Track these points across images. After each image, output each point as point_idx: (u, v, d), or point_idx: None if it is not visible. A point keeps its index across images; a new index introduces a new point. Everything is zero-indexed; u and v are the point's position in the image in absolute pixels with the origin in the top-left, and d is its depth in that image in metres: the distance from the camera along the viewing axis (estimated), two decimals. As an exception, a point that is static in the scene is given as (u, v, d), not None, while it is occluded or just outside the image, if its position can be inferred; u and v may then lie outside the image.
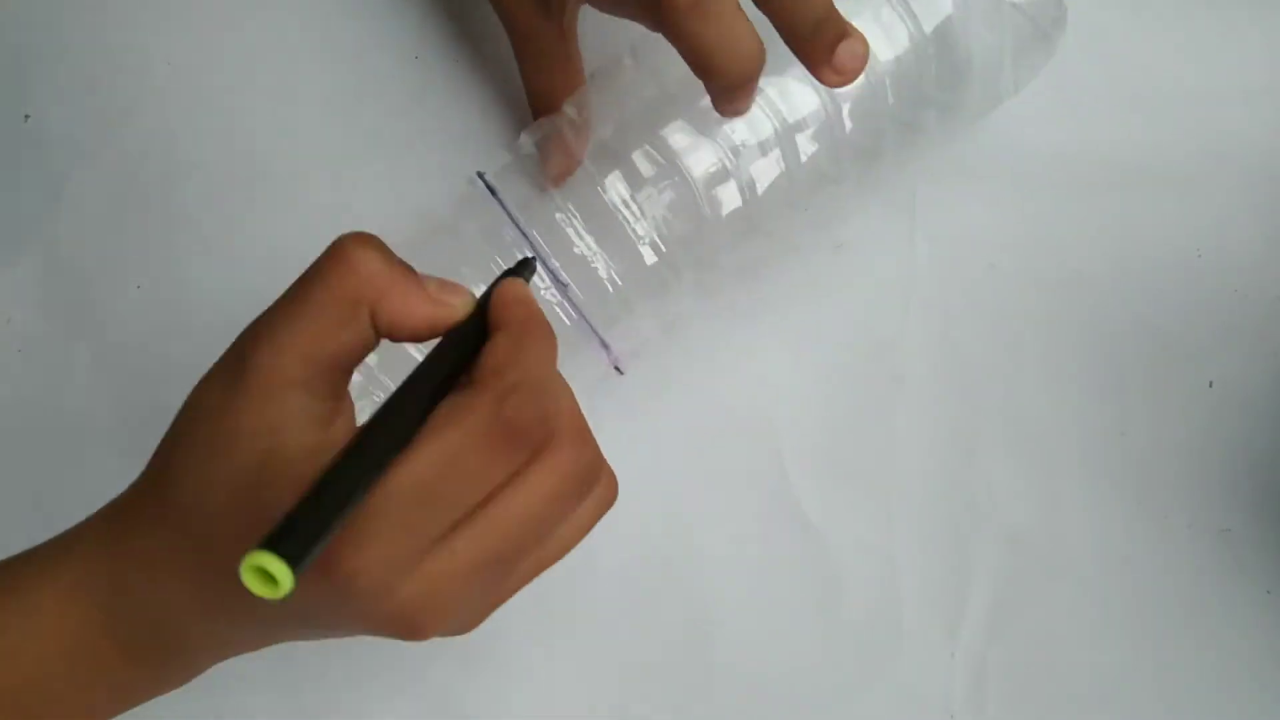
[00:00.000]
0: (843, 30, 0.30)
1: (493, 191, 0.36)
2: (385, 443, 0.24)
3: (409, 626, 0.25)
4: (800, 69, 0.31)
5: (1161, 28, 0.44)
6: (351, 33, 0.44)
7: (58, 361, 0.42)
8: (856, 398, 0.42)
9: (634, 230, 0.36)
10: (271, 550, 0.21)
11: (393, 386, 0.26)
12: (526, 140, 0.38)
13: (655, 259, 0.36)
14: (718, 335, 0.42)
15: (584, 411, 0.28)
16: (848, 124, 0.36)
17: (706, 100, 0.32)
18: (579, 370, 0.37)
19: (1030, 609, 0.41)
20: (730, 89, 0.31)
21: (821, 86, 0.33)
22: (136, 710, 0.36)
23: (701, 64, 0.30)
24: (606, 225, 0.36)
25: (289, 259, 0.42)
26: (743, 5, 0.30)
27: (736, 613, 0.41)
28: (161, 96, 0.43)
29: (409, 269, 0.27)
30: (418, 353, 0.33)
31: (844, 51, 0.30)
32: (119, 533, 0.28)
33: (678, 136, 0.36)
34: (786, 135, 0.36)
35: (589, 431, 0.27)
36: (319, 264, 0.26)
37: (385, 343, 0.28)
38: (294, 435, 0.25)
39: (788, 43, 0.31)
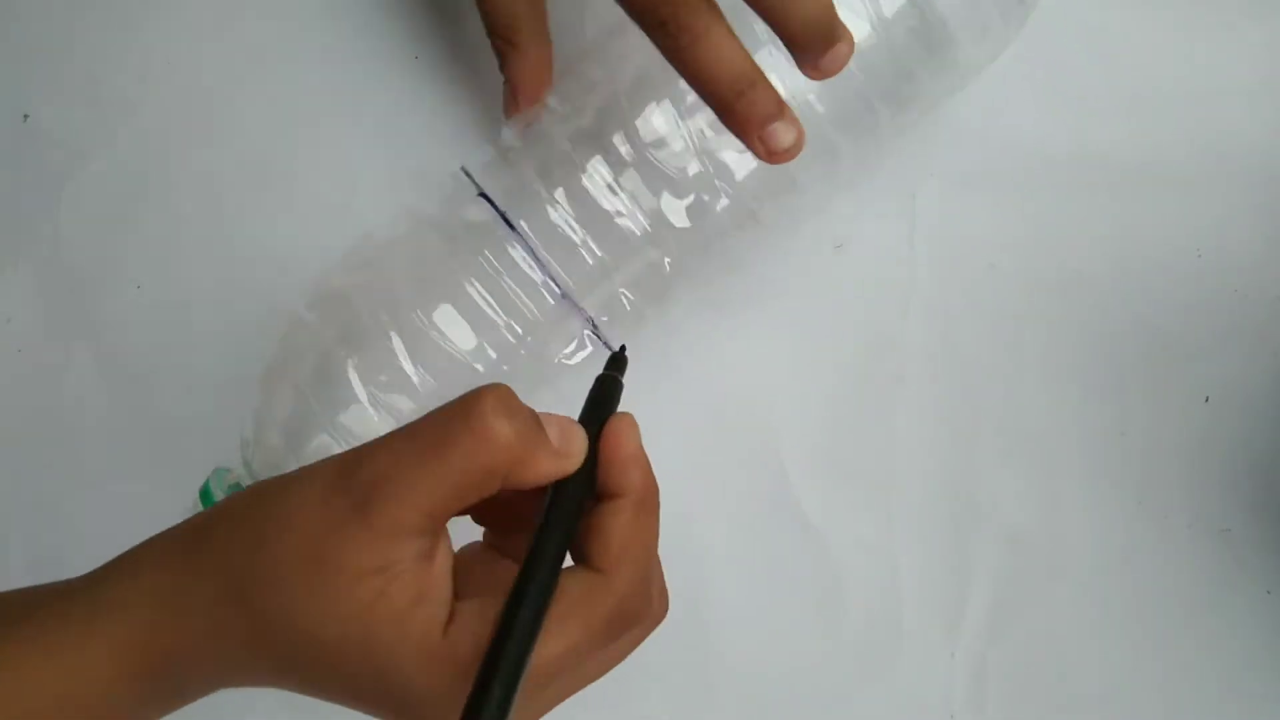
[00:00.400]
0: (834, 34, 0.30)
1: (477, 185, 0.36)
2: (532, 622, 0.25)
3: None
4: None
5: (1161, 28, 0.44)
6: (351, 33, 0.44)
7: (58, 361, 0.42)
8: (856, 398, 0.42)
9: (619, 215, 0.36)
10: None
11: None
12: (509, 134, 0.38)
13: (643, 244, 0.36)
14: (718, 335, 0.42)
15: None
16: (818, 107, 0.36)
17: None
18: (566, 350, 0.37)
19: (1030, 609, 0.41)
20: (727, 104, 0.30)
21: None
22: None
23: (697, 84, 0.30)
24: (593, 211, 0.36)
25: (289, 259, 0.42)
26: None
27: (736, 613, 0.41)
28: (161, 96, 0.43)
29: (537, 424, 0.27)
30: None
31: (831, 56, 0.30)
32: (179, 610, 0.27)
33: (660, 119, 0.36)
34: None
35: (666, 591, 0.29)
36: (457, 428, 0.26)
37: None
38: (404, 577, 0.26)
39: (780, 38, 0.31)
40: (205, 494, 0.36)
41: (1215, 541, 0.41)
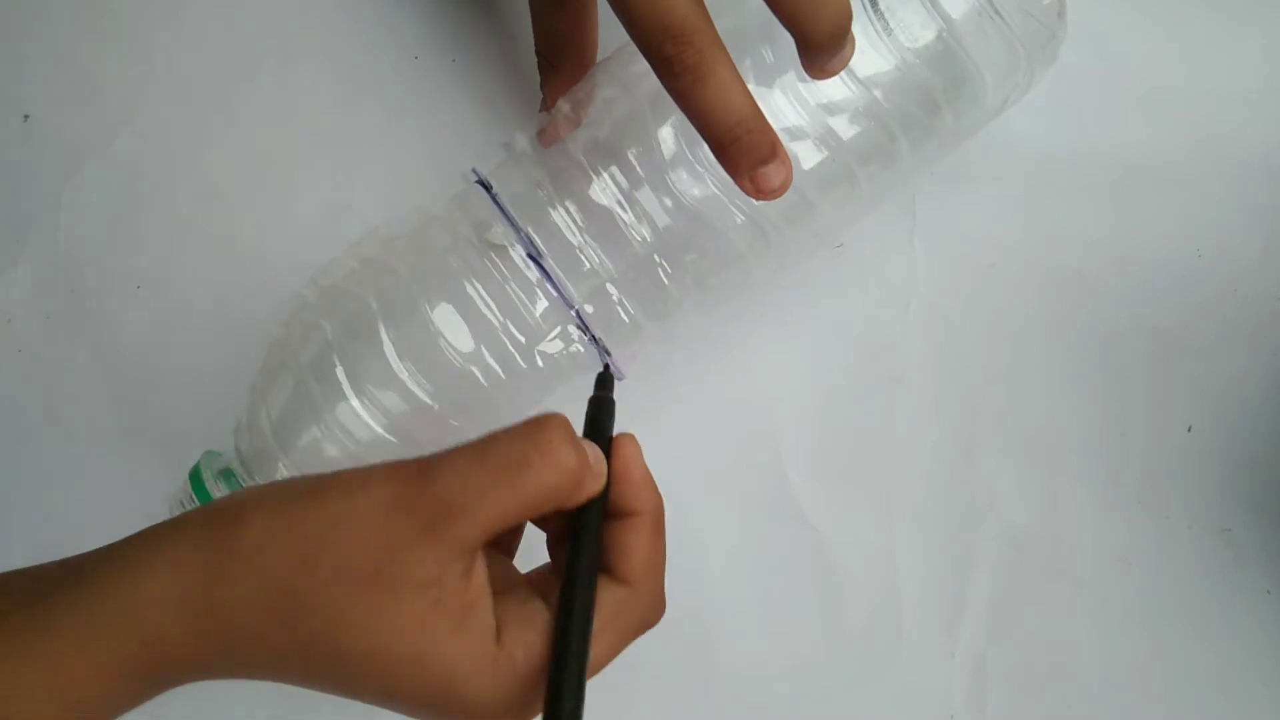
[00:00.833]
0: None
1: (487, 188, 0.36)
2: (585, 633, 0.27)
3: None
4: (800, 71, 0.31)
5: (1161, 28, 0.44)
6: (351, 33, 0.44)
7: (58, 361, 0.42)
8: (856, 398, 0.42)
9: (629, 229, 0.36)
10: None
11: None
12: (521, 138, 0.38)
13: (650, 258, 0.36)
14: (718, 335, 0.42)
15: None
16: (841, 134, 0.36)
17: None
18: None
19: (1030, 609, 0.41)
20: (727, 145, 0.31)
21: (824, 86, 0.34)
22: (137, 711, 0.36)
23: (698, 123, 0.31)
24: (601, 223, 0.36)
25: (289, 259, 0.42)
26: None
27: (736, 613, 0.41)
28: (161, 96, 0.43)
29: (585, 452, 0.28)
30: None
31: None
32: (200, 619, 0.26)
33: (674, 138, 0.36)
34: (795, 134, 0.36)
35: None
36: (529, 452, 0.27)
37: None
38: (454, 588, 0.26)
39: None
40: (195, 476, 0.36)
41: (1215, 541, 0.41)
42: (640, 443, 0.31)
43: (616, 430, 0.31)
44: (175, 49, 0.43)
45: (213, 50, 0.43)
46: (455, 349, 0.35)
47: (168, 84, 0.43)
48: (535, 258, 0.35)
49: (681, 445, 0.41)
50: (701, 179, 0.36)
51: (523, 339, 0.36)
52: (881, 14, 0.35)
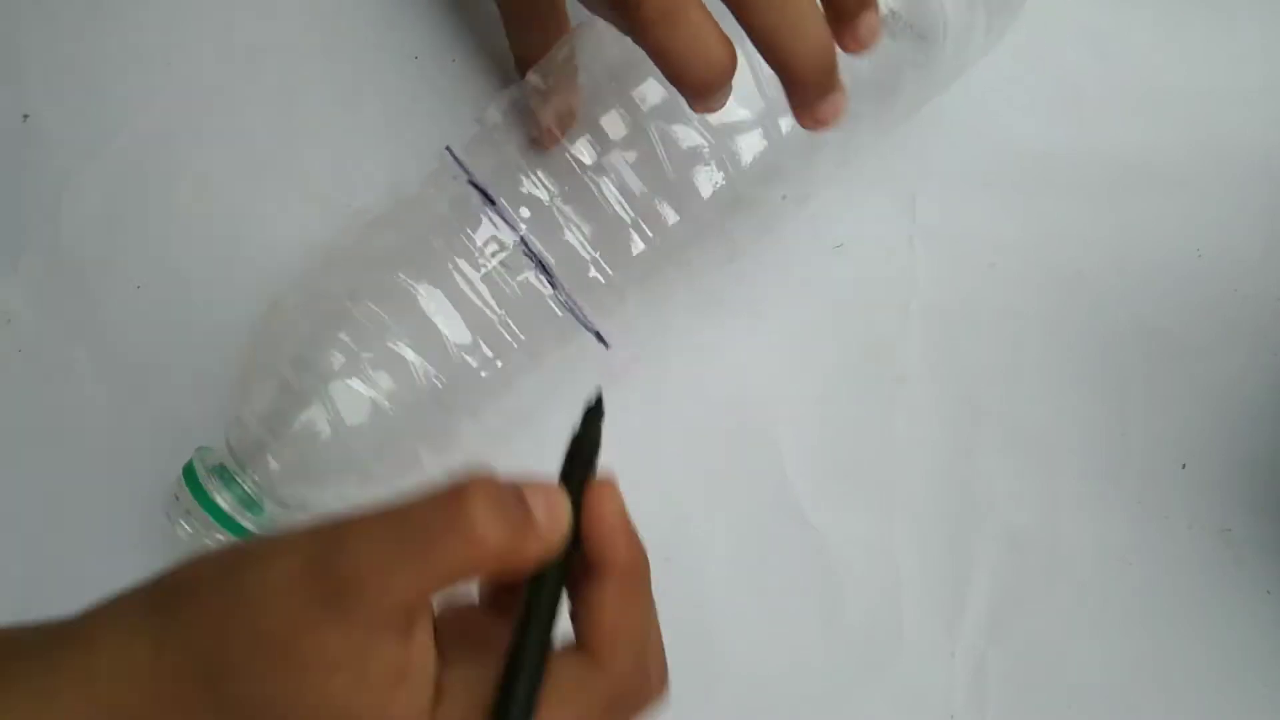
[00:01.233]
0: (835, 83, 0.29)
1: (460, 164, 0.36)
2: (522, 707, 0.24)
3: None
4: None
5: (1161, 28, 0.44)
6: (351, 33, 0.44)
7: (58, 361, 0.42)
8: (856, 398, 0.42)
9: (604, 195, 0.36)
10: None
11: None
12: (493, 111, 0.37)
13: (629, 226, 0.36)
14: (717, 335, 0.42)
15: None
16: None
17: None
18: (561, 348, 0.37)
19: (1030, 609, 0.41)
20: (701, 95, 0.29)
21: None
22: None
23: (671, 72, 0.29)
24: (577, 191, 0.36)
25: (290, 259, 0.42)
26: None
27: (736, 612, 0.41)
28: (161, 96, 0.43)
29: (525, 511, 0.26)
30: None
31: (827, 104, 0.30)
32: (141, 685, 0.26)
33: (649, 98, 0.36)
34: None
35: (666, 664, 0.28)
36: (443, 528, 0.25)
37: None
38: (383, 657, 0.24)
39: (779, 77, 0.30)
40: (188, 472, 0.36)
41: (1215, 541, 0.41)
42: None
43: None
44: (175, 49, 0.43)
45: (213, 50, 0.43)
46: (439, 328, 0.35)
47: (168, 84, 0.43)
48: (510, 223, 0.35)
49: (681, 446, 0.41)
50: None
51: (504, 314, 0.36)
52: None
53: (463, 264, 0.35)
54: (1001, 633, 0.41)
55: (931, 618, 0.41)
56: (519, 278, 0.36)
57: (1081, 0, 0.44)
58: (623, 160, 0.36)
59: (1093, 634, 0.41)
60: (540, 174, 0.36)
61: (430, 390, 0.35)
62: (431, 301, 0.35)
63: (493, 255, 0.36)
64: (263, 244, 0.42)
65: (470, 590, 0.30)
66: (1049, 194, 0.43)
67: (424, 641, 0.25)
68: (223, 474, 0.36)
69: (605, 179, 0.36)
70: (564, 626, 0.26)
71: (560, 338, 0.37)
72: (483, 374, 0.36)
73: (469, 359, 0.36)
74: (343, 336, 0.35)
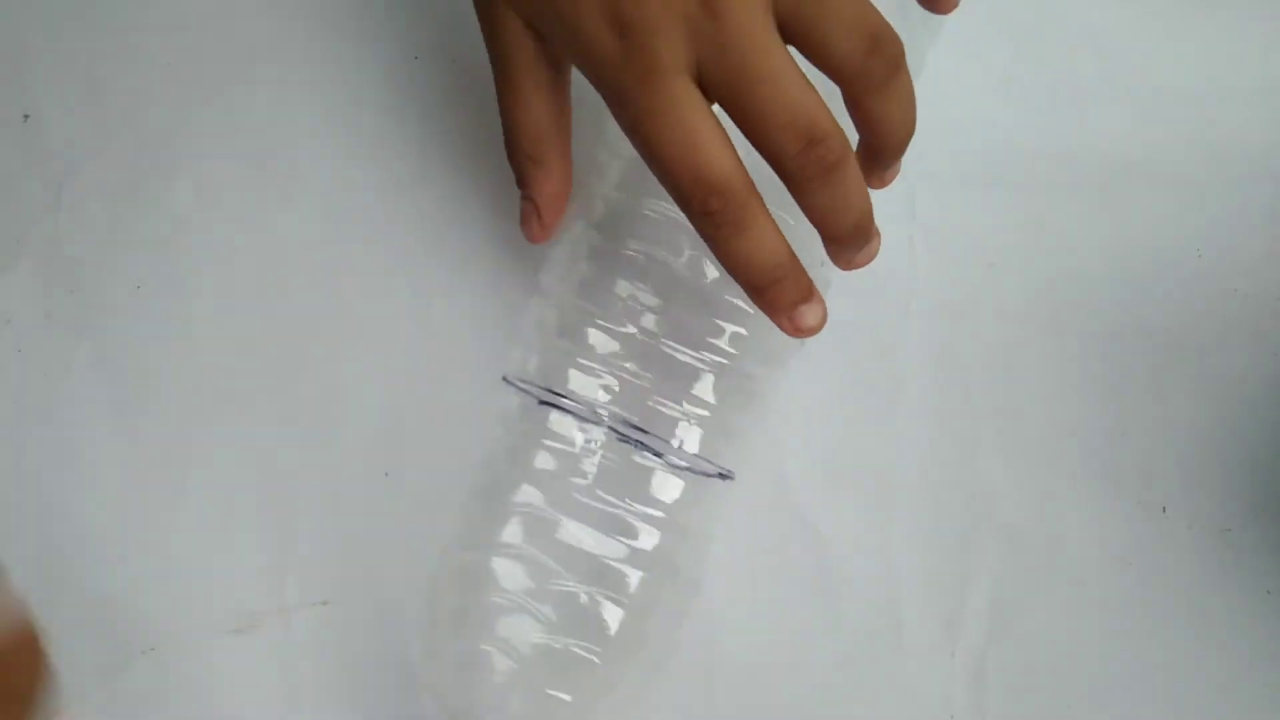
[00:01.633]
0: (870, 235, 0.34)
1: (526, 391, 0.36)
2: None
3: None
4: None
5: (1160, 28, 0.44)
6: (351, 33, 0.44)
7: (58, 361, 0.42)
8: (856, 397, 0.42)
9: (667, 348, 0.36)
10: None
11: None
12: (546, 312, 0.37)
13: (700, 364, 0.36)
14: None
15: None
16: None
17: None
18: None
19: (1030, 609, 0.41)
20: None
21: None
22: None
23: (739, 273, 0.32)
24: (638, 354, 0.35)
25: (290, 258, 0.42)
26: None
27: (736, 613, 0.41)
28: (161, 97, 0.43)
29: None
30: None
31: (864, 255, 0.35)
32: None
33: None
34: None
35: None
36: None
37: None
38: None
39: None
40: None
41: (1215, 541, 0.41)
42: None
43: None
44: (175, 49, 0.43)
45: (213, 50, 0.43)
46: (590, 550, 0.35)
47: (168, 84, 0.43)
48: (617, 430, 0.35)
49: (681, 445, 0.41)
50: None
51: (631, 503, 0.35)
52: None
53: (574, 479, 0.35)
54: (1001, 633, 0.41)
55: (931, 618, 0.41)
56: (628, 457, 0.35)
57: (1081, 0, 0.44)
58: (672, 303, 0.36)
59: (1092, 634, 0.41)
60: (595, 357, 0.35)
61: (602, 608, 0.35)
62: (572, 538, 0.35)
63: (593, 453, 0.35)
64: (263, 244, 0.42)
65: None
66: (1049, 194, 0.43)
67: None
68: None
69: (659, 334, 0.35)
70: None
71: (695, 497, 0.36)
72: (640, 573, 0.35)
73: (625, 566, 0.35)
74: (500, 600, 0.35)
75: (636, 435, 0.35)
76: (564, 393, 0.35)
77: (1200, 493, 0.41)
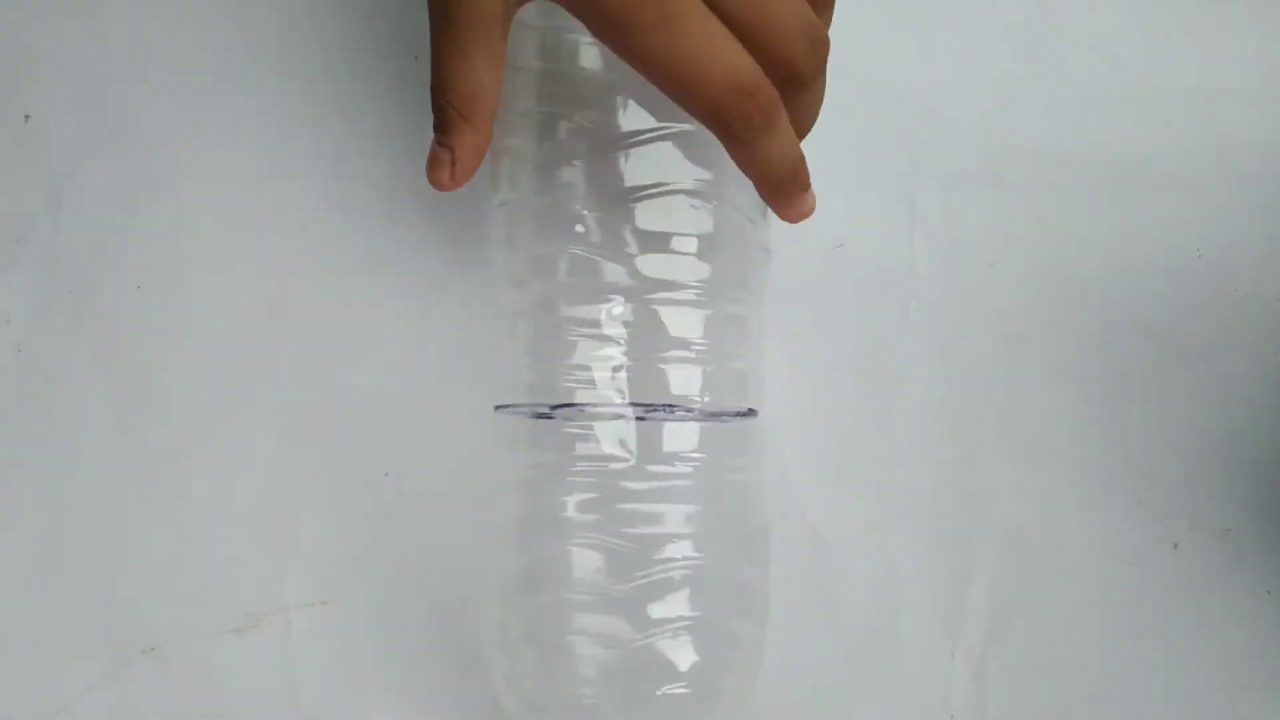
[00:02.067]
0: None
1: (532, 409, 0.35)
2: None
3: None
4: None
5: (1161, 28, 0.44)
6: (351, 33, 0.44)
7: (58, 361, 0.42)
8: (856, 397, 0.42)
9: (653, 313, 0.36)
10: None
11: None
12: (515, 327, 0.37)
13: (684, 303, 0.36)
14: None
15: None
16: None
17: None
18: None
19: (1030, 609, 0.41)
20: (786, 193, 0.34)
21: None
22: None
23: (765, 171, 0.33)
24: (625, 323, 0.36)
25: (290, 258, 0.42)
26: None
27: (736, 613, 0.41)
28: (161, 96, 0.43)
29: None
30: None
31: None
32: None
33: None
34: None
35: None
36: None
37: None
38: None
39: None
40: None
41: (1215, 541, 0.41)
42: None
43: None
44: (175, 49, 0.43)
45: (213, 50, 0.43)
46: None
47: (168, 84, 0.43)
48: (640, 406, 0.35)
49: (681, 445, 0.41)
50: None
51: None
52: None
53: (614, 467, 0.35)
54: (1001, 633, 0.41)
55: (931, 618, 0.41)
56: (653, 425, 0.35)
57: (1082, 0, 0.44)
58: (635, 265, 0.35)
59: (1092, 634, 0.41)
60: (584, 350, 0.35)
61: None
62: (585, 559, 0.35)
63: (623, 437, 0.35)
64: (263, 244, 0.42)
65: None
66: (1049, 194, 0.43)
67: None
68: None
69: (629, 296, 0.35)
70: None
71: (739, 445, 0.37)
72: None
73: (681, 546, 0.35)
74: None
75: (653, 408, 0.35)
76: (567, 398, 0.35)
77: (1200, 493, 0.41)
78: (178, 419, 0.41)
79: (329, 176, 0.43)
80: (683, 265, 0.35)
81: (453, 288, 0.42)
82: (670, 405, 0.35)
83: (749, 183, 0.34)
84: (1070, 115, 0.43)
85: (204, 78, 0.43)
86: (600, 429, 0.35)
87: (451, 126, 0.36)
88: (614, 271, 0.35)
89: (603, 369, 0.35)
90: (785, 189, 0.33)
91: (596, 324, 0.35)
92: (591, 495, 0.35)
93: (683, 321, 0.36)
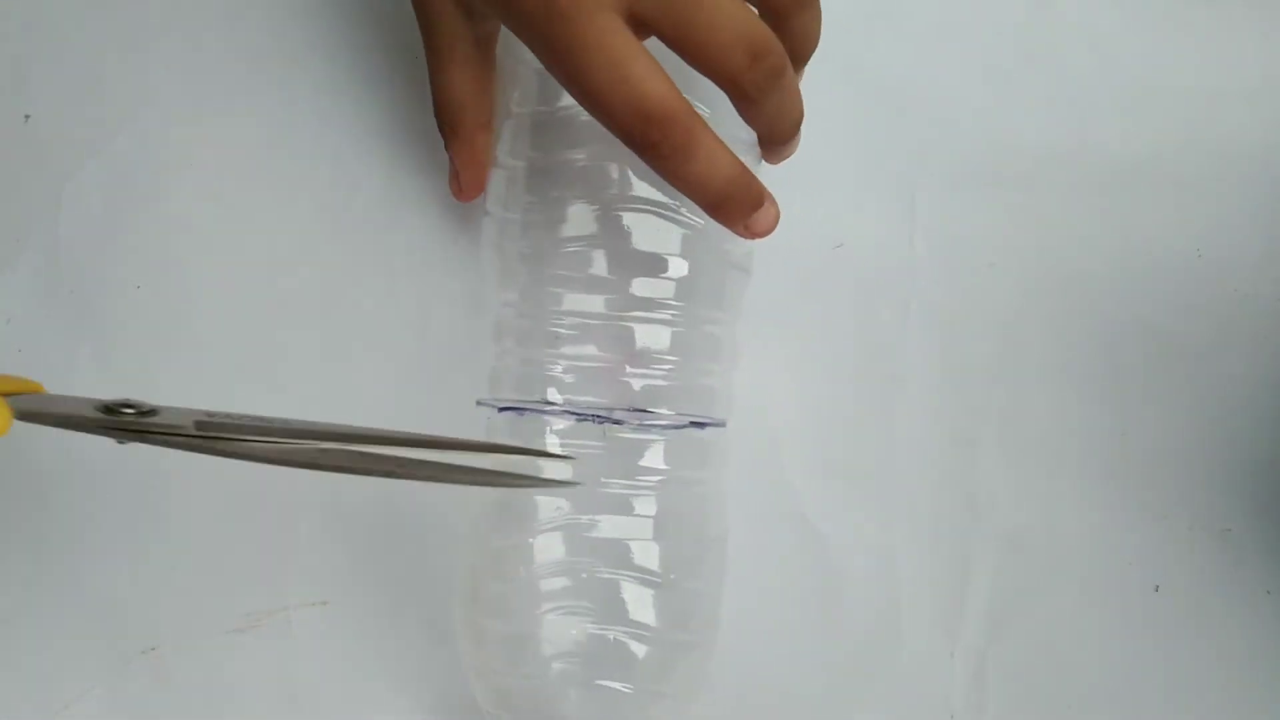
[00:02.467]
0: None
1: (509, 406, 0.36)
2: None
3: None
4: None
5: (1161, 28, 0.44)
6: (351, 33, 0.44)
7: (58, 361, 0.42)
8: (856, 397, 0.42)
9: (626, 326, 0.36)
10: None
11: None
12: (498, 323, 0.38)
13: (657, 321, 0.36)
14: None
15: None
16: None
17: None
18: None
19: (1030, 609, 0.41)
20: (728, 210, 0.33)
21: None
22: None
23: (695, 194, 0.32)
24: (595, 336, 0.36)
25: (289, 259, 0.42)
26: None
27: (737, 613, 0.41)
28: (161, 96, 0.43)
29: None
30: None
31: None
32: None
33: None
34: None
35: None
36: None
37: None
38: None
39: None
40: None
41: (1215, 541, 0.41)
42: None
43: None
44: (175, 49, 0.43)
45: (213, 50, 0.43)
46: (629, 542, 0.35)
47: (168, 84, 0.43)
48: (574, 411, 0.35)
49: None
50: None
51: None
52: None
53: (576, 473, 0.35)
54: (1001, 633, 0.41)
55: (931, 618, 0.41)
56: (623, 435, 0.35)
57: (1081, 0, 0.44)
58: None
59: (1092, 634, 0.41)
60: (558, 354, 0.36)
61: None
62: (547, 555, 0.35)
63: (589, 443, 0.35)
64: (263, 244, 0.42)
65: None
66: (1049, 194, 0.43)
67: None
68: None
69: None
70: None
71: (702, 457, 0.37)
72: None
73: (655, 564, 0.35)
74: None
75: (619, 415, 0.35)
76: (539, 399, 0.36)
77: (1200, 493, 0.41)
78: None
79: (329, 177, 0.43)
80: (658, 283, 0.36)
81: (453, 287, 0.42)
82: (640, 410, 0.35)
83: None
84: (1070, 115, 0.43)
85: (204, 78, 0.43)
86: (567, 429, 0.35)
87: (445, 139, 0.39)
88: (591, 283, 0.35)
89: (575, 372, 0.35)
90: (724, 209, 0.32)
91: (574, 329, 0.36)
92: (557, 501, 0.35)
93: (655, 335, 0.36)
